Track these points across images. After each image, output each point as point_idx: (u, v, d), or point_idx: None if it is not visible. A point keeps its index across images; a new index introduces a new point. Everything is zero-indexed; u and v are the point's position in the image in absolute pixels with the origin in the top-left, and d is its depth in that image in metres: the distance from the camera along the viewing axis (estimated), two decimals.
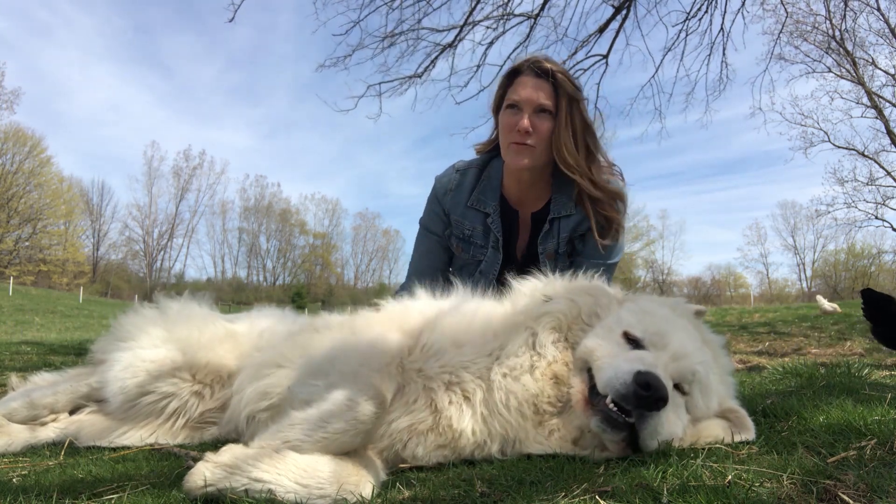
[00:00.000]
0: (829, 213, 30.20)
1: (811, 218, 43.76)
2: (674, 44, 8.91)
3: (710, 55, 8.98)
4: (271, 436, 1.31)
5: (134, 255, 57.02)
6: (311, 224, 63.79)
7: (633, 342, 1.50)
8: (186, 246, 59.28)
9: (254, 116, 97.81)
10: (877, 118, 25.22)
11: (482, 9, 8.43)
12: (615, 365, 1.37)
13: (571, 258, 2.49)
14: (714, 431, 1.50)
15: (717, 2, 8.38)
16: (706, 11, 8.51)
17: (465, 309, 1.78)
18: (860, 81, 24.01)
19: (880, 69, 24.04)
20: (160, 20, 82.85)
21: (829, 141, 26.79)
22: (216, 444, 1.79)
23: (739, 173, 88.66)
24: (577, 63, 8.89)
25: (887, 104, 24.67)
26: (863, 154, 27.36)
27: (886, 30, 21.80)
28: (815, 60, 23.08)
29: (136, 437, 1.85)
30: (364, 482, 1.26)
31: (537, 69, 2.34)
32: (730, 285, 58.66)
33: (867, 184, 28.50)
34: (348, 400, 1.34)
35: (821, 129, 26.74)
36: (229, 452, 1.25)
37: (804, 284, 52.61)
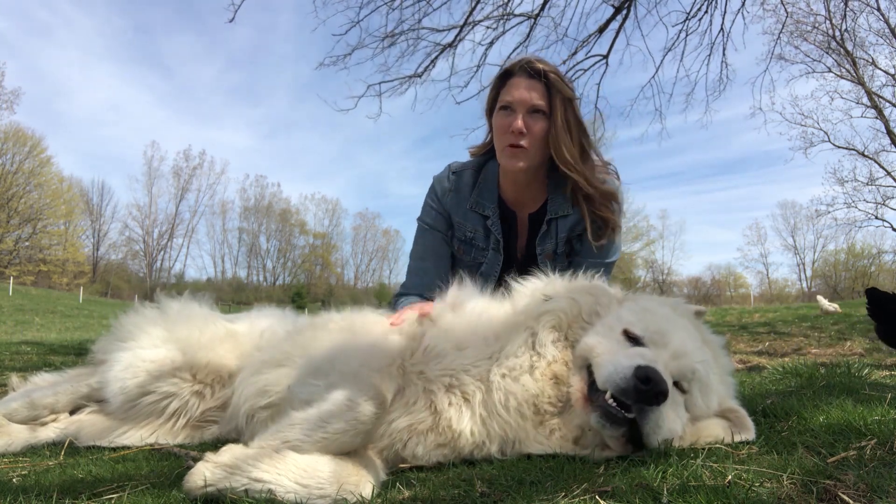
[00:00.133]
0: (829, 213, 30.24)
1: (811, 218, 43.80)
2: (674, 44, 8.91)
3: (710, 55, 8.99)
4: (271, 436, 1.31)
5: (134, 255, 57.08)
6: (311, 224, 63.87)
7: (634, 340, 1.50)
8: (186, 246, 59.35)
9: (254, 116, 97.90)
10: (877, 118, 25.23)
11: (482, 9, 8.44)
12: (615, 360, 1.38)
13: (570, 258, 2.49)
14: (714, 431, 1.50)
15: (717, 2, 8.39)
16: (706, 11, 8.52)
17: (468, 310, 1.78)
18: (860, 81, 24.02)
19: (880, 69, 24.08)
20: (160, 20, 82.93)
21: (829, 141, 26.82)
22: (216, 444, 1.79)
23: (739, 173, 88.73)
24: (577, 63, 8.90)
25: (887, 104, 24.70)
26: (863, 154, 27.38)
27: (886, 30, 21.82)
28: (815, 60, 23.12)
29: (136, 437, 1.85)
30: (364, 482, 1.26)
31: (530, 70, 2.33)
32: (730, 285, 58.70)
33: (867, 184, 28.54)
34: (348, 400, 1.34)
35: (821, 129, 26.79)
36: (229, 452, 1.25)
37: (804, 284, 52.67)
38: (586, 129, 2.38)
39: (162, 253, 57.74)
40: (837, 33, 20.34)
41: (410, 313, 1.83)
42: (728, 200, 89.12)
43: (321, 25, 8.04)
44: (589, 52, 8.86)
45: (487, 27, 8.59)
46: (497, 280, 2.46)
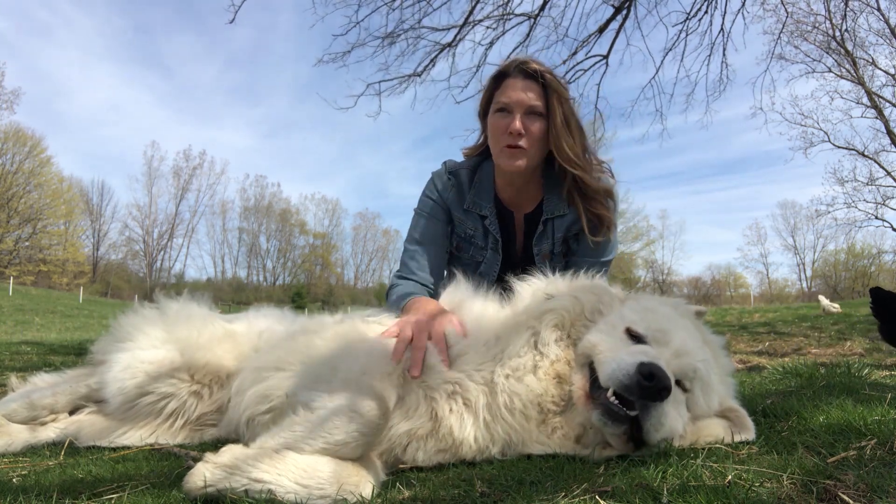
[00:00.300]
0: (829, 213, 30.23)
1: (811, 218, 43.79)
2: (674, 44, 8.91)
3: (710, 55, 8.98)
4: (272, 437, 1.31)
5: (134, 255, 57.07)
6: (311, 224, 63.87)
7: (636, 338, 1.50)
8: (186, 246, 59.33)
9: (254, 116, 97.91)
10: (877, 118, 25.22)
11: (482, 8, 8.43)
12: (618, 357, 1.38)
13: (566, 258, 2.49)
14: (714, 431, 1.50)
15: (717, 2, 8.38)
16: (706, 12, 8.51)
17: (466, 313, 1.78)
18: (860, 81, 24.01)
19: (880, 69, 24.06)
20: (160, 20, 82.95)
21: (829, 141, 26.81)
22: (216, 445, 1.79)
23: (739, 173, 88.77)
24: (578, 63, 8.90)
25: (887, 104, 24.69)
26: (863, 154, 27.37)
27: (886, 30, 21.81)
28: (815, 60, 23.10)
29: (135, 437, 1.85)
30: (364, 482, 1.26)
31: (525, 70, 2.31)
32: (730, 285, 58.70)
33: (867, 184, 28.52)
34: (351, 409, 1.32)
35: (821, 129, 26.77)
36: (229, 453, 1.24)
37: (804, 284, 52.68)
38: (583, 128, 2.39)
39: (162, 253, 57.80)
40: (837, 33, 20.35)
41: (403, 333, 1.65)
42: (728, 200, 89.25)
43: (320, 23, 8.01)
44: (589, 52, 8.87)
45: (487, 27, 8.59)
46: (495, 280, 2.46)
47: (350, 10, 7.95)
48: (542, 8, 8.58)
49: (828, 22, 19.79)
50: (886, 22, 21.49)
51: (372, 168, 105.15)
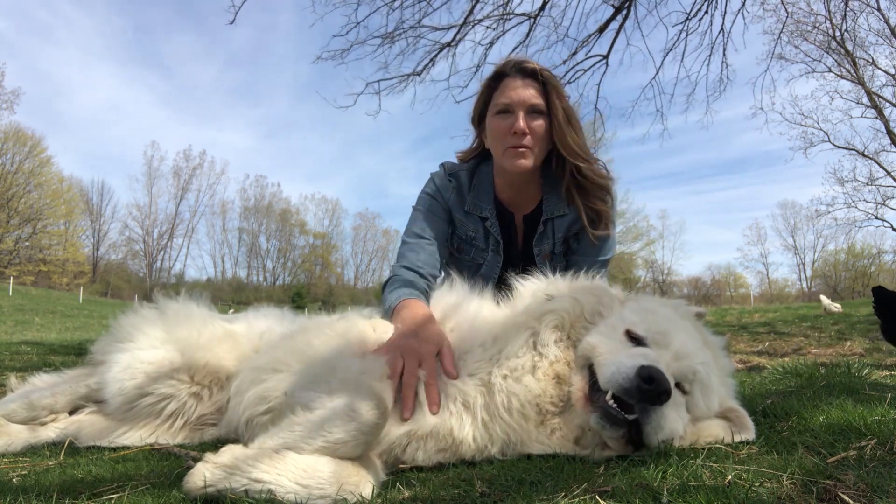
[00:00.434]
0: (829, 213, 30.23)
1: (811, 218, 43.81)
2: (674, 44, 8.91)
3: (710, 55, 8.98)
4: (271, 437, 1.31)
5: (134, 255, 57.10)
6: (311, 224, 63.90)
7: (636, 340, 1.50)
8: (186, 246, 59.39)
9: (254, 116, 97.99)
10: (877, 118, 25.21)
11: (482, 8, 8.43)
12: (618, 360, 1.37)
13: (567, 257, 2.48)
14: (714, 431, 1.50)
15: (717, 2, 8.38)
16: (706, 12, 8.51)
17: (468, 311, 1.78)
18: (860, 81, 24.00)
19: (880, 69, 24.06)
20: (160, 20, 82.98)
21: (829, 141, 26.80)
22: (216, 445, 1.79)
23: (739, 173, 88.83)
24: (578, 63, 8.90)
25: (887, 104, 24.68)
26: (863, 154, 27.36)
27: (886, 30, 21.81)
28: (815, 60, 23.10)
29: (135, 437, 1.85)
30: (364, 482, 1.25)
31: (523, 69, 2.30)
32: (730, 285, 58.72)
33: (867, 184, 28.52)
34: (350, 409, 1.32)
35: (821, 129, 26.76)
36: (229, 453, 1.24)
37: (804, 284, 52.68)
38: (580, 124, 2.39)
39: (162, 253, 57.84)
40: (837, 33, 20.35)
41: (394, 363, 1.56)
42: (728, 200, 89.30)
43: (319, 22, 8.02)
44: (589, 52, 8.87)
45: (487, 27, 8.59)
46: (496, 281, 2.45)
47: (349, 10, 7.96)
48: (542, 8, 8.58)
49: (828, 22, 19.82)
50: (886, 22, 21.51)
51: (372, 168, 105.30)
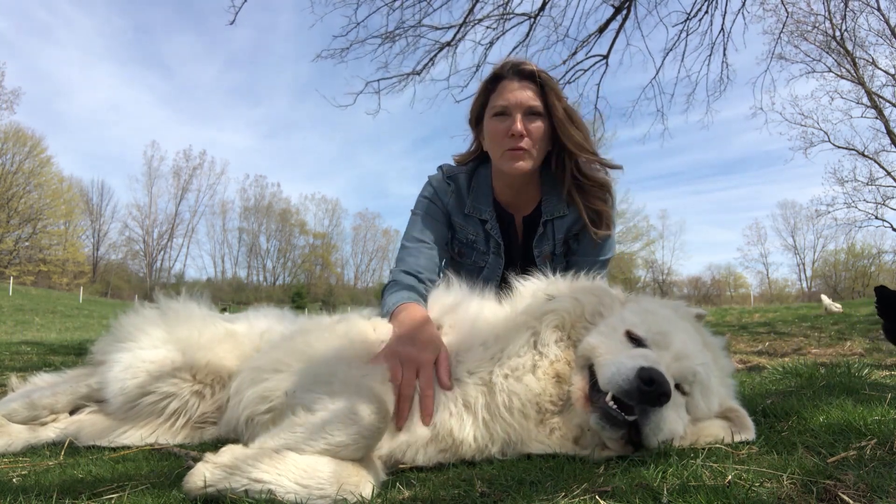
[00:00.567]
0: (829, 213, 30.23)
1: (811, 218, 43.82)
2: (674, 44, 8.91)
3: (710, 55, 8.98)
4: (272, 438, 1.31)
5: (134, 255, 57.11)
6: (311, 224, 63.92)
7: (636, 341, 1.50)
8: (186, 246, 59.41)
9: (254, 116, 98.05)
10: (877, 118, 25.21)
11: (482, 8, 8.43)
12: (618, 361, 1.38)
13: (567, 258, 2.48)
14: (714, 431, 1.50)
15: (717, 2, 8.38)
16: (706, 12, 8.51)
17: (467, 311, 1.78)
18: (860, 81, 24.00)
19: (880, 69, 24.05)
20: (160, 20, 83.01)
21: (829, 141, 26.80)
22: (216, 444, 1.79)
23: (739, 173, 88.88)
24: (577, 63, 8.90)
25: (887, 104, 24.68)
26: (863, 154, 27.36)
27: (886, 30, 21.81)
28: (815, 60, 23.09)
29: (136, 436, 1.85)
30: (364, 482, 1.25)
31: (520, 71, 2.30)
32: (730, 285, 58.73)
33: (867, 184, 28.52)
34: (351, 412, 1.32)
35: (821, 129, 26.77)
36: (229, 453, 1.24)
37: (804, 284, 52.70)
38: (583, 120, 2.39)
39: (162, 253, 57.85)
40: (837, 33, 20.35)
41: (393, 371, 1.57)
42: (728, 200, 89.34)
43: (319, 23, 8.02)
44: (589, 52, 8.87)
45: (487, 27, 8.59)
46: (498, 284, 2.45)
47: (349, 11, 7.96)
48: (542, 8, 8.58)
49: (828, 22, 19.77)
50: (886, 22, 21.50)
51: (372, 168, 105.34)
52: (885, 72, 24.10)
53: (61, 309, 24.42)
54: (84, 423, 1.94)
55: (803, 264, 52.96)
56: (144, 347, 1.91)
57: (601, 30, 8.63)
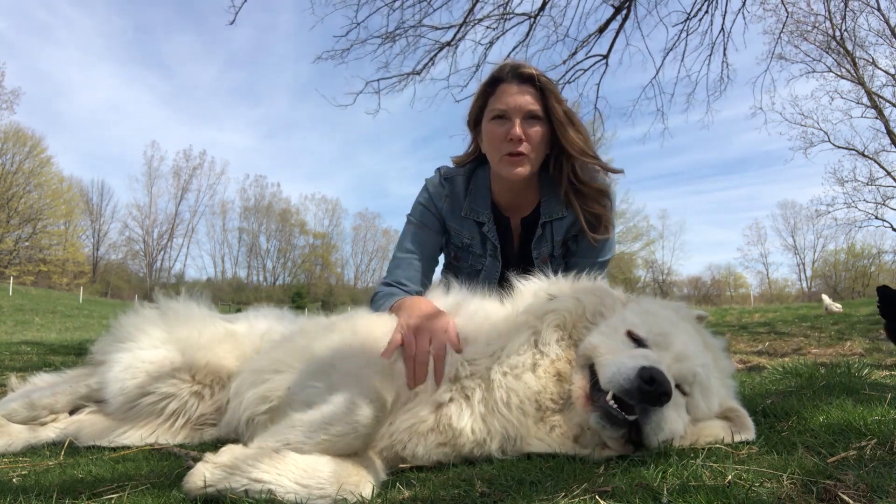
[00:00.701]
0: (829, 213, 30.22)
1: (811, 218, 43.79)
2: (674, 44, 8.91)
3: (710, 55, 8.98)
4: (271, 437, 1.31)
5: (134, 255, 57.07)
6: (311, 224, 63.85)
7: (637, 341, 1.50)
8: (186, 246, 59.32)
9: (254, 116, 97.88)
10: (877, 118, 25.21)
11: (482, 8, 8.43)
12: (619, 361, 1.38)
13: (565, 259, 2.48)
14: (714, 431, 1.50)
15: (717, 2, 8.39)
16: (706, 12, 8.51)
17: (468, 309, 1.78)
18: (860, 81, 24.00)
19: (880, 69, 24.05)
20: (160, 20, 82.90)
21: (829, 141, 26.80)
22: (216, 445, 1.79)
23: (739, 173, 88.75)
24: (577, 63, 8.91)
25: (887, 104, 24.68)
26: (863, 154, 27.36)
27: (886, 30, 21.81)
28: (815, 60, 23.10)
29: (136, 436, 1.85)
30: (364, 482, 1.26)
31: (519, 74, 2.28)
32: (730, 285, 58.70)
33: (867, 184, 28.52)
34: (349, 402, 1.33)
35: (821, 129, 26.76)
36: (229, 453, 1.25)
37: (804, 284, 52.68)
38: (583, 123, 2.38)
39: (162, 253, 57.78)
40: (837, 33, 20.37)
41: (407, 339, 1.64)
42: (728, 200, 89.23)
43: (319, 24, 8.03)
44: (589, 52, 8.88)
45: (487, 27, 8.60)
46: (496, 286, 2.45)
47: (350, 11, 7.96)
48: (542, 8, 8.58)
49: (828, 22, 19.81)
50: (886, 22, 21.50)
51: (372, 168, 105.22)
52: (885, 72, 24.13)
53: (61, 309, 24.42)
54: (84, 424, 1.94)
55: (803, 264, 53.01)
56: (144, 348, 1.91)
57: (601, 30, 8.63)
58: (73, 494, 1.29)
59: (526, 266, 2.36)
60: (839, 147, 27.11)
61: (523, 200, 2.47)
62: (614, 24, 8.53)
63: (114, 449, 1.81)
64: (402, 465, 1.46)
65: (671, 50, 8.96)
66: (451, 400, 1.48)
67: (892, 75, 24.20)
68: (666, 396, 1.30)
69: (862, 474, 1.16)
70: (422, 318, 1.71)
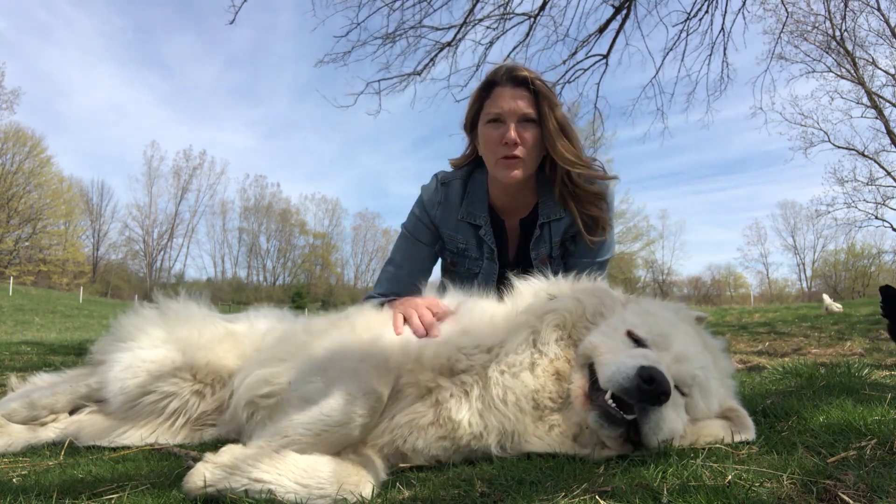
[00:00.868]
0: (829, 213, 30.20)
1: (811, 218, 43.80)
2: (675, 44, 8.91)
3: (710, 55, 8.98)
4: (270, 436, 1.32)
5: (134, 255, 57.07)
6: (311, 224, 63.84)
7: (637, 342, 1.50)
8: (186, 246, 59.32)
9: (254, 116, 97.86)
10: (877, 118, 25.20)
11: (482, 8, 8.43)
12: (618, 360, 1.38)
13: (564, 259, 2.48)
14: (714, 431, 1.50)
15: (717, 2, 8.39)
16: (707, 11, 8.51)
17: (468, 307, 1.79)
18: (860, 81, 24.00)
19: (880, 69, 24.04)
20: (160, 20, 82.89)
21: (829, 141, 26.79)
22: (216, 444, 1.79)
23: (739, 173, 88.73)
24: (577, 63, 8.91)
25: (887, 104, 24.67)
26: (863, 154, 27.35)
27: (886, 30, 21.81)
28: (815, 60, 23.09)
29: (136, 436, 1.85)
30: (364, 482, 1.26)
31: (514, 78, 2.29)
32: (730, 285, 58.71)
33: (867, 184, 28.50)
34: (347, 393, 1.36)
35: (821, 129, 26.75)
36: (229, 453, 1.25)
37: (804, 284, 52.68)
38: (575, 129, 2.38)
39: (162, 253, 57.78)
40: (837, 33, 20.38)
41: (409, 316, 1.82)
42: (728, 200, 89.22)
43: (321, 25, 8.03)
44: (589, 52, 8.87)
45: (488, 27, 8.59)
46: (495, 288, 2.45)
47: (351, 13, 7.96)
48: (542, 8, 8.58)
49: (828, 22, 19.81)
50: (886, 22, 21.50)
51: (372, 168, 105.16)
52: (885, 72, 24.12)
53: (61, 309, 24.43)
54: (84, 423, 1.94)
55: (803, 264, 53.01)
56: (144, 347, 1.91)
57: (601, 30, 8.63)
58: (73, 494, 1.30)
59: (524, 267, 2.37)
60: (839, 147, 27.12)
61: (521, 202, 2.47)
62: (614, 24, 8.54)
63: (114, 449, 1.81)
64: (402, 465, 1.46)
65: (671, 50, 8.97)
66: (451, 395, 1.48)
67: (892, 75, 24.21)
68: (665, 396, 1.30)
69: (862, 474, 1.16)
70: (412, 303, 1.89)
